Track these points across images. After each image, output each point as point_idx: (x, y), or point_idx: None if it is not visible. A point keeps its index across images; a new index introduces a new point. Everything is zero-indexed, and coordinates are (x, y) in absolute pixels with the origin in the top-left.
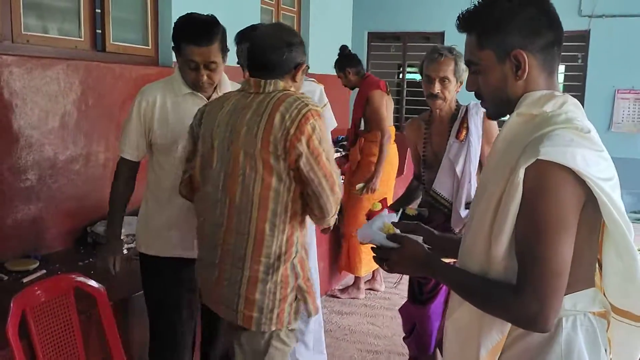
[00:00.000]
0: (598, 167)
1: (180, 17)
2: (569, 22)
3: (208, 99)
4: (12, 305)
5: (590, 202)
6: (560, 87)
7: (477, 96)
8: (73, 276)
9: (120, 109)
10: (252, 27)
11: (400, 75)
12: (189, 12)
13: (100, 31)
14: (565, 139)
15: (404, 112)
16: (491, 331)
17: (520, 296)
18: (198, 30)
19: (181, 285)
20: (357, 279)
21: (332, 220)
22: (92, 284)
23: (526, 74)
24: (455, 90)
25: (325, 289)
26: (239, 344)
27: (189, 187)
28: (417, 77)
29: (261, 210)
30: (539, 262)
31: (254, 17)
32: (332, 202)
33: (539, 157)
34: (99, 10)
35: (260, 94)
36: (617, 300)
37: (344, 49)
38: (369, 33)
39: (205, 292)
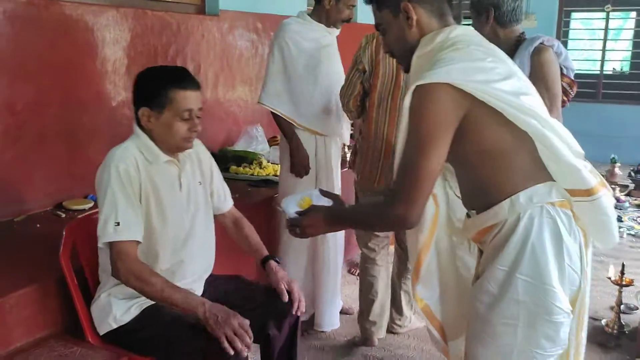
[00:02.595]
0: (483, 73)
1: (150, 70)
2: None
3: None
4: (64, 233)
5: (484, 106)
6: (631, 34)
7: (392, 55)
8: None
9: (167, 57)
10: None
11: None
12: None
13: None
14: (445, 60)
15: None
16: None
17: (392, 202)
18: (183, 73)
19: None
20: None
21: None
22: None
23: (415, 21)
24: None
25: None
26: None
27: (357, 103)
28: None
29: None
30: (408, 170)
31: None
32: None
33: (417, 83)
34: None
35: None
36: (564, 182)
37: None
38: None
39: (376, 175)
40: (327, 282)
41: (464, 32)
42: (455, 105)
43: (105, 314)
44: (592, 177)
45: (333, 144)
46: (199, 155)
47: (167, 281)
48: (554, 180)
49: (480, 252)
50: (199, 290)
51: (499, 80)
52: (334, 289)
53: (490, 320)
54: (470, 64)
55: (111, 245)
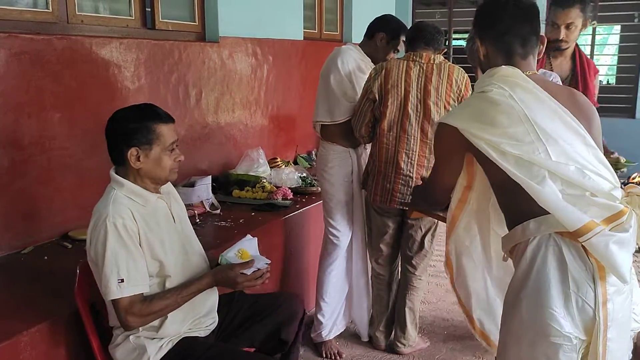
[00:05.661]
0: (486, 119)
1: (126, 110)
2: None
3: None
4: (78, 272)
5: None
6: (615, 48)
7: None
8: None
9: (169, 84)
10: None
11: (447, 42)
12: None
13: (149, 9)
14: (465, 104)
15: None
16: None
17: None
18: (159, 109)
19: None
20: None
21: None
22: None
23: (482, 55)
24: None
25: None
26: (414, 225)
27: (369, 129)
28: (464, 43)
29: None
30: (431, 178)
31: None
32: None
33: (440, 121)
34: None
35: (431, 64)
36: (557, 222)
37: None
38: None
39: (387, 197)
40: (362, 296)
41: (506, 72)
42: (457, 141)
43: (139, 356)
44: (577, 219)
45: (363, 158)
46: (172, 192)
47: (175, 290)
48: None
49: None
50: (213, 321)
51: (497, 126)
52: (368, 302)
53: (503, 335)
54: (482, 110)
55: (115, 301)
